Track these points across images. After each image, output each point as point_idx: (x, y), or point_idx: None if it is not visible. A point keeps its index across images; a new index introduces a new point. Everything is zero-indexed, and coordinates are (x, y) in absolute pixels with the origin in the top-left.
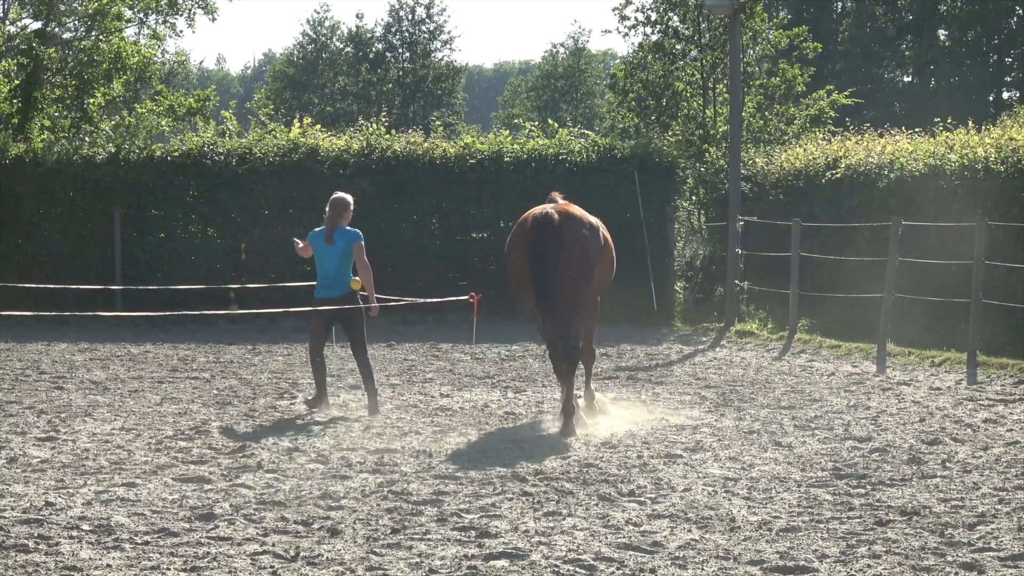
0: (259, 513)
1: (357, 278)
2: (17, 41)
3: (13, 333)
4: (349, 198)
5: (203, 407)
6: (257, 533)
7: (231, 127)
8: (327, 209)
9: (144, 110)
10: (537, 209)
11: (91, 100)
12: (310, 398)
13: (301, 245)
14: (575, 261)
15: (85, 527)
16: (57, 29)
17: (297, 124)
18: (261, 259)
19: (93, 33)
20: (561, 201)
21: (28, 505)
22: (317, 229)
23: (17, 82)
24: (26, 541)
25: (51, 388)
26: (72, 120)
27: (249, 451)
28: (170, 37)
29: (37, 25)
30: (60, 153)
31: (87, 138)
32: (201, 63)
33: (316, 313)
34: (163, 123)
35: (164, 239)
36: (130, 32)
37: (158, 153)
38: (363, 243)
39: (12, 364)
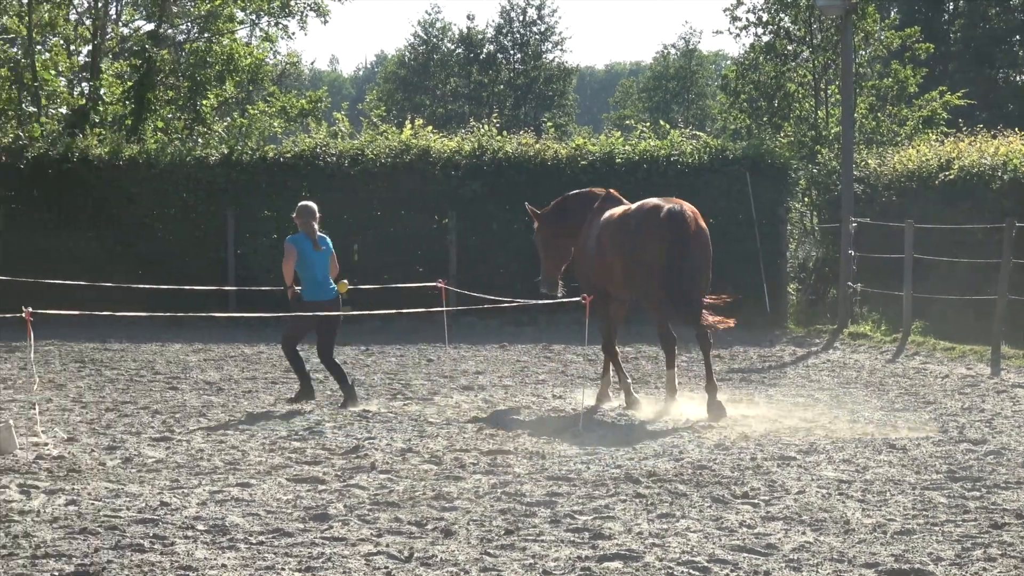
0: (373, 514)
1: (344, 281)
2: (130, 43)
3: (128, 334)
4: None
5: (317, 408)
6: (371, 534)
7: (343, 128)
8: (302, 217)
9: (256, 111)
10: (653, 201)
11: (204, 101)
12: (294, 394)
13: (296, 289)
14: (706, 252)
15: (200, 527)
16: (170, 31)
17: (409, 125)
18: (373, 260)
19: (205, 35)
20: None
21: (144, 505)
22: (295, 235)
23: (130, 84)
24: (142, 541)
25: (166, 389)
26: (185, 121)
27: (363, 452)
28: (282, 39)
29: (150, 27)
30: (173, 154)
31: (200, 139)
32: (313, 64)
33: (307, 316)
34: (275, 124)
35: (277, 240)
36: (242, 34)
37: (271, 154)
38: None
39: (127, 365)
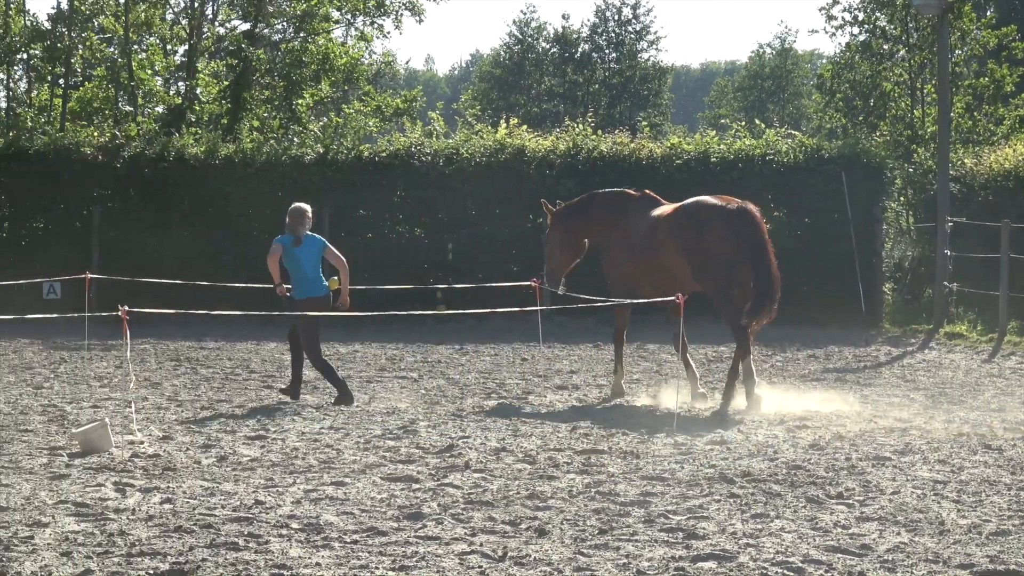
0: (467, 513)
1: (335, 278)
2: (226, 42)
3: (223, 332)
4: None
5: (411, 406)
6: (465, 533)
7: (438, 128)
8: (290, 218)
9: (352, 111)
10: (712, 199)
11: (299, 101)
12: (334, 399)
13: (285, 286)
14: (771, 249)
15: (294, 525)
16: (266, 30)
17: (503, 124)
18: (468, 259)
19: (301, 34)
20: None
21: (238, 503)
22: (281, 236)
23: (226, 83)
24: (236, 539)
25: (260, 387)
26: (281, 121)
27: (457, 451)
28: (377, 38)
29: (246, 26)
30: (269, 153)
31: (295, 139)
32: (408, 63)
33: (308, 316)
34: (370, 123)
35: (372, 239)
36: (338, 33)
37: (366, 153)
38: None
39: (222, 363)
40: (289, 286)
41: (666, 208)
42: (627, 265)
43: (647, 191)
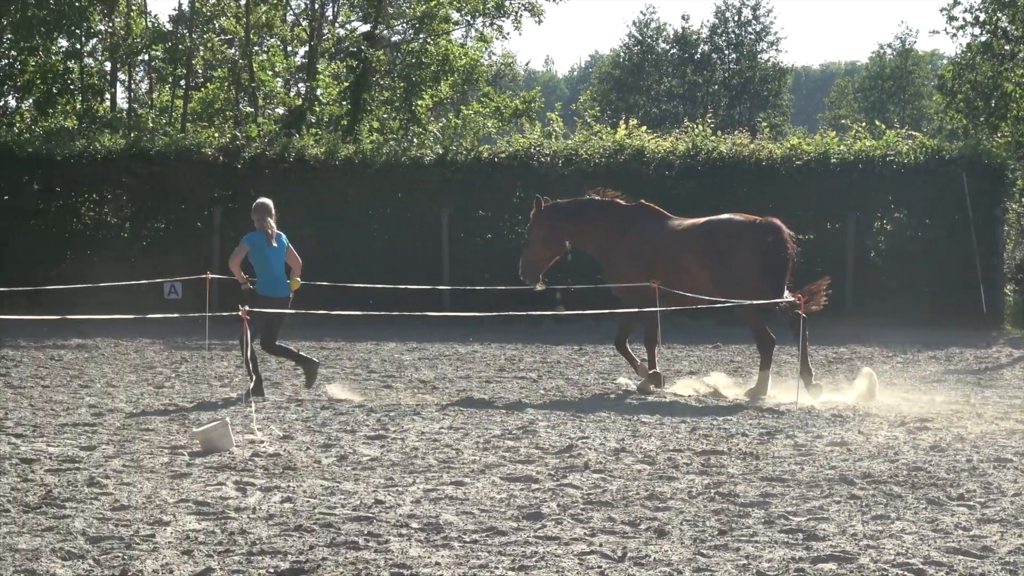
0: (586, 513)
1: (297, 279)
2: (346, 44)
3: (343, 332)
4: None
5: (529, 407)
6: (584, 533)
7: (557, 129)
8: (258, 213)
9: (471, 112)
10: (739, 216)
11: (419, 102)
12: (305, 380)
13: (245, 279)
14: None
15: (414, 525)
16: (386, 32)
17: (623, 125)
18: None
19: (421, 35)
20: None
21: (358, 503)
22: (251, 233)
23: (346, 84)
24: (356, 538)
25: (380, 387)
26: (400, 122)
27: (576, 451)
28: (497, 39)
29: (366, 28)
30: (388, 154)
31: (415, 140)
32: (527, 64)
33: (273, 313)
34: (489, 124)
35: (491, 240)
36: (457, 35)
37: (485, 154)
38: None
39: (343, 363)
40: (254, 282)
41: (687, 221)
42: (634, 273)
43: (643, 201)
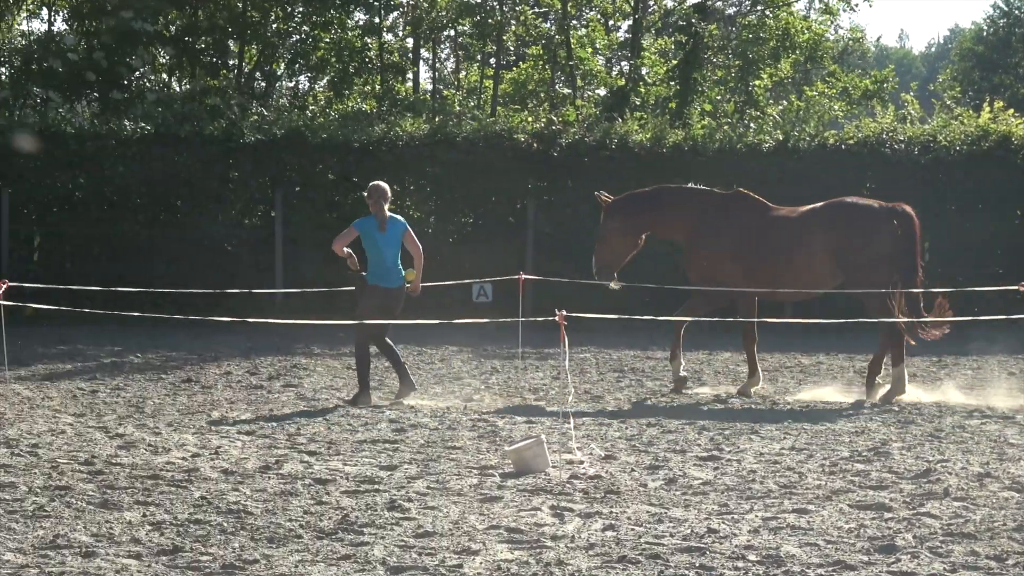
0: (946, 546)
1: (412, 269)
2: (675, 17)
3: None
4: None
5: (882, 426)
6: (944, 568)
7: (912, 112)
8: (372, 197)
9: (814, 93)
10: (861, 199)
11: (756, 82)
12: (353, 395)
13: (348, 252)
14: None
15: (751, 557)
16: (719, 3)
17: (987, 108)
18: (945, 259)
19: (759, 7)
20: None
21: (689, 532)
22: (362, 219)
23: (675, 62)
24: (687, 571)
25: (713, 402)
26: (735, 104)
27: (934, 476)
28: (844, 11)
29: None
30: (722, 140)
31: (751, 124)
32: (879, 40)
33: (379, 306)
34: (836, 107)
35: None
36: (800, 6)
37: (831, 141)
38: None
39: (669, 375)
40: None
41: (794, 209)
42: (727, 263)
43: (739, 189)
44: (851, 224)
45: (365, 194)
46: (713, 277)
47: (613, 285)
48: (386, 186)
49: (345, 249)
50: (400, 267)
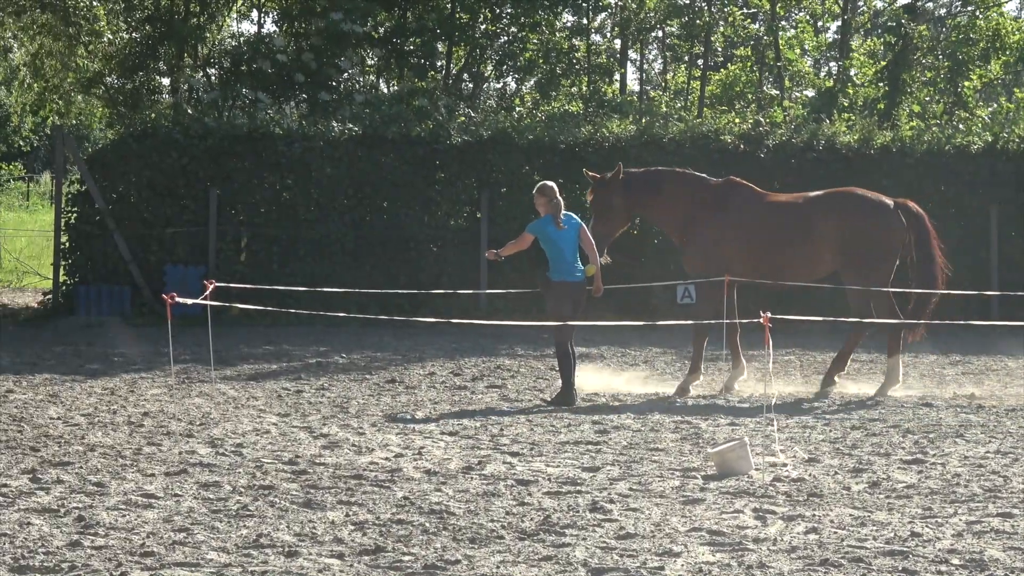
0: None
1: (590, 264)
2: (884, 17)
3: (876, 342)
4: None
5: None
6: None
7: None
8: (544, 197)
9: None
10: (869, 193)
11: (966, 83)
12: (555, 395)
13: (495, 253)
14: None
15: (955, 561)
16: (929, 3)
17: None
18: None
19: (969, 7)
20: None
21: (892, 535)
22: (536, 221)
23: (883, 63)
24: (889, 575)
25: (918, 405)
26: (944, 105)
27: None
28: None
29: (907, 0)
30: (931, 142)
31: (960, 125)
32: None
33: (568, 301)
34: None
35: None
36: (1011, 7)
37: None
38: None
39: (875, 376)
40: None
41: (799, 196)
42: (727, 250)
43: (732, 178)
44: (856, 214)
45: (537, 193)
46: (710, 266)
47: (603, 259)
48: (554, 185)
49: (494, 252)
50: (579, 263)
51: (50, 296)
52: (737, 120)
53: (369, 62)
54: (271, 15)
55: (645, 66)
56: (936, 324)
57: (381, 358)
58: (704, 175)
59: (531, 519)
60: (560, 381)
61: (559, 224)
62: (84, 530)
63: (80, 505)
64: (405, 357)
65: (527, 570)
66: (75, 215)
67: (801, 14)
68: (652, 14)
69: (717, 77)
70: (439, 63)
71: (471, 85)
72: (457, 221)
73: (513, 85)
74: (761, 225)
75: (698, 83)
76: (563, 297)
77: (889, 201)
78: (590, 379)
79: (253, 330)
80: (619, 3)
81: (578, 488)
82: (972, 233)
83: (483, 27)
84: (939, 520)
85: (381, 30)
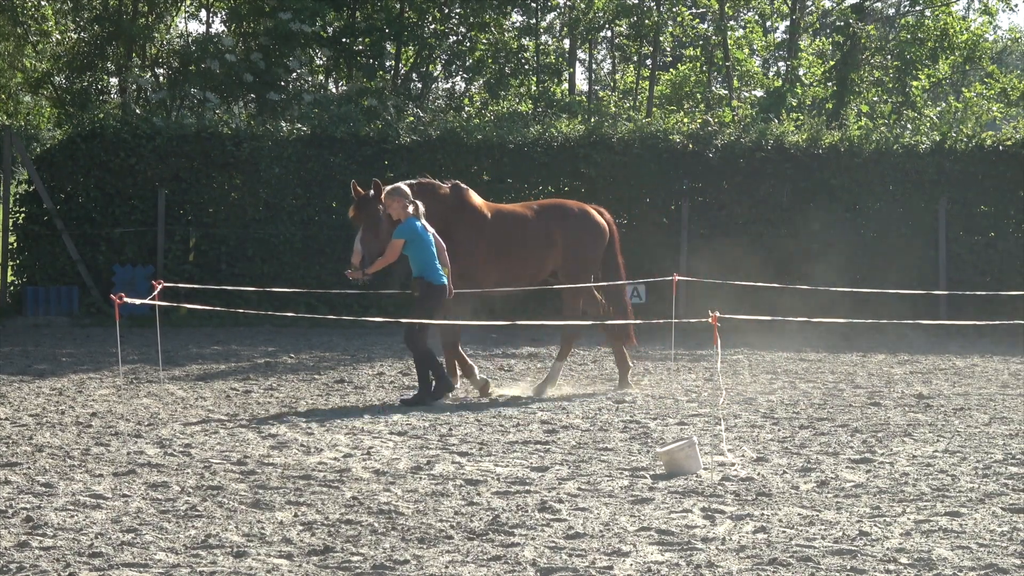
0: None
1: (444, 267)
2: (832, 17)
3: (825, 343)
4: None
5: None
6: None
7: None
8: (403, 198)
9: (972, 94)
10: (574, 203)
11: (914, 83)
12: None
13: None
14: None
15: (903, 560)
16: (877, 3)
17: None
18: None
19: (917, 7)
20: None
21: (840, 534)
22: (406, 223)
23: (832, 63)
24: (838, 574)
25: (866, 404)
26: (892, 105)
27: None
28: (1003, 11)
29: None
30: (879, 142)
31: (909, 125)
32: None
33: (442, 304)
34: (994, 108)
35: (994, 239)
36: (958, 7)
37: (988, 142)
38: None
39: (824, 377)
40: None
41: (520, 205)
42: (488, 255)
43: (456, 182)
44: (575, 223)
45: (391, 198)
46: (475, 274)
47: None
48: (406, 187)
49: (359, 270)
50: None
51: None
52: (686, 120)
53: (318, 62)
54: (220, 15)
55: (594, 66)
56: (884, 324)
57: (330, 358)
58: (436, 181)
59: (480, 519)
60: (423, 381)
61: (427, 224)
62: (32, 531)
63: (28, 506)
64: (354, 357)
65: (476, 570)
66: (23, 215)
67: (750, 14)
68: (601, 14)
69: (666, 77)
70: (388, 63)
71: (420, 85)
72: None
73: (462, 85)
74: (505, 233)
75: (647, 83)
76: (441, 299)
77: (591, 209)
78: (534, 381)
79: (201, 330)
80: (568, 3)
81: (527, 488)
82: (920, 232)
83: (432, 27)
84: (887, 519)
85: (330, 30)
